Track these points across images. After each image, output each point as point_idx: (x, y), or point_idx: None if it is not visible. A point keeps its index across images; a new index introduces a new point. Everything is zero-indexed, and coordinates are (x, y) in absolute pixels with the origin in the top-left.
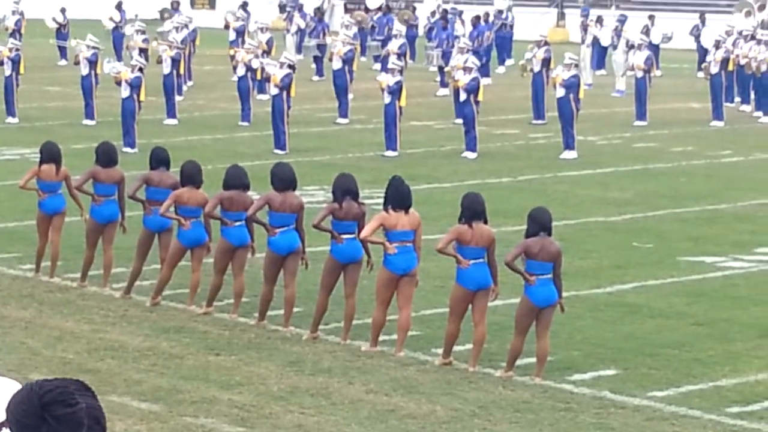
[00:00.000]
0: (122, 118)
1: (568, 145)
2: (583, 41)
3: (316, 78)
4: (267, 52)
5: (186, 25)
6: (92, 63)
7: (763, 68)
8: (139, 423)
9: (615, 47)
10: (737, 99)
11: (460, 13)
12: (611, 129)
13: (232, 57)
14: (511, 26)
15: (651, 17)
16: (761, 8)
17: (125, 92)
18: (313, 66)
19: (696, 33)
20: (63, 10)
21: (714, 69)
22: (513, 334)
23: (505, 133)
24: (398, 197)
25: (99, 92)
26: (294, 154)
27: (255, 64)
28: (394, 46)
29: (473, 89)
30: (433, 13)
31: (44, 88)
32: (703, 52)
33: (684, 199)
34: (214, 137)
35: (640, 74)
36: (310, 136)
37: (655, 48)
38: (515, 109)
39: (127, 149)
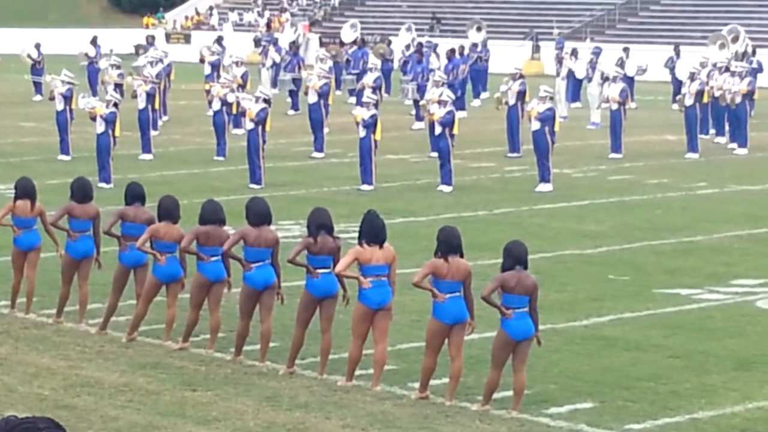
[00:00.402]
0: (97, 153)
1: (544, 177)
2: (557, 74)
3: (291, 112)
4: (242, 87)
5: (161, 60)
6: (67, 98)
7: (738, 100)
8: None
9: (590, 80)
10: (712, 131)
11: (435, 46)
12: (586, 161)
13: (208, 91)
14: (486, 59)
15: (626, 50)
16: (734, 40)
17: (100, 127)
18: (289, 100)
19: (671, 65)
20: (38, 46)
21: (689, 101)
22: (489, 368)
23: (480, 166)
24: (372, 231)
25: (74, 127)
26: (269, 188)
27: (230, 98)
28: (369, 79)
29: (448, 122)
30: (408, 47)
31: (19, 123)
32: (677, 85)
33: (660, 231)
34: (190, 172)
35: (615, 107)
36: (286, 171)
37: (629, 80)
38: (491, 142)
39: (103, 184)
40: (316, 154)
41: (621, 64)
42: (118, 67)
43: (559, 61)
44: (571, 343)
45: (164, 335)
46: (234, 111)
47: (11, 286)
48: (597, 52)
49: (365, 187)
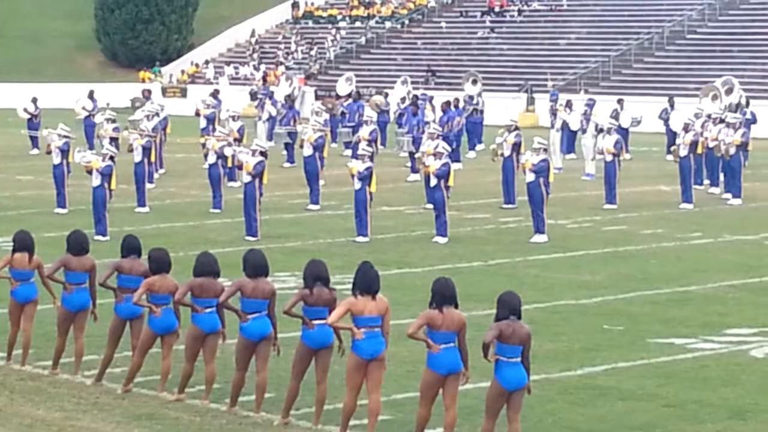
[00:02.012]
0: (93, 206)
1: (539, 228)
2: (552, 126)
3: (287, 165)
4: (239, 140)
5: (157, 113)
6: (64, 152)
7: (732, 151)
8: None
9: (584, 131)
10: (706, 182)
11: (431, 98)
12: (581, 212)
13: (203, 144)
14: (482, 111)
15: (620, 101)
16: (728, 92)
17: (96, 181)
18: (284, 153)
19: (665, 116)
20: (35, 100)
21: (683, 152)
22: (484, 418)
23: (475, 217)
24: (365, 282)
25: (71, 181)
26: (266, 240)
27: (227, 151)
28: (365, 132)
29: (444, 174)
30: (403, 99)
31: (16, 177)
32: (672, 136)
33: (654, 281)
34: (186, 224)
35: (609, 158)
36: (282, 223)
37: (624, 132)
38: (486, 194)
39: (99, 237)
40: (311, 206)
41: (615, 115)
42: (114, 121)
43: (554, 113)
44: (566, 392)
45: (159, 386)
46: (229, 164)
47: (7, 338)
48: (591, 104)
49: (360, 239)
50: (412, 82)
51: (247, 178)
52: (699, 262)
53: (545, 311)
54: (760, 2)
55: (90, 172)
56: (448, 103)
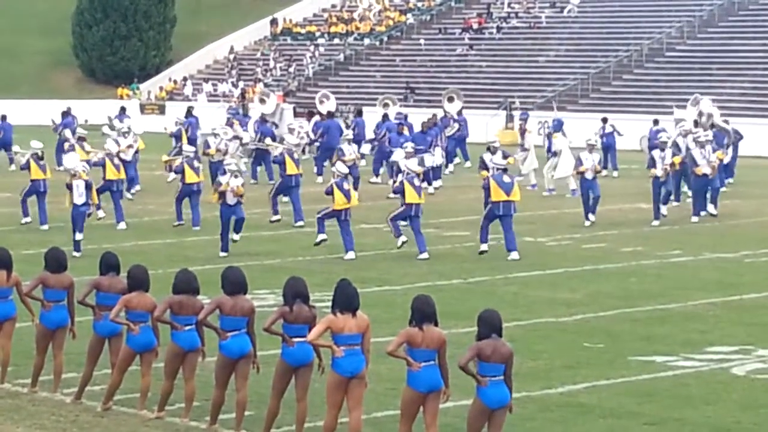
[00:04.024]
0: (73, 221)
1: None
2: (521, 145)
3: (252, 181)
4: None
5: (128, 132)
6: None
7: (708, 170)
8: None
9: (548, 150)
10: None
11: (405, 117)
12: (560, 230)
13: (169, 165)
14: (464, 128)
15: (604, 119)
16: (700, 114)
17: (80, 198)
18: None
19: (650, 135)
20: (3, 117)
21: (659, 172)
22: None
23: (455, 234)
24: (345, 300)
25: (49, 198)
26: (245, 257)
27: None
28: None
29: (398, 191)
30: (385, 118)
31: None
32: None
33: (634, 298)
34: (164, 241)
35: (590, 175)
36: (261, 240)
37: (609, 148)
38: (466, 211)
39: (76, 254)
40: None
41: (603, 133)
42: (84, 140)
43: (522, 132)
44: (546, 410)
45: (139, 404)
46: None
47: None
48: (525, 118)
49: (350, 255)
50: (390, 101)
51: (233, 200)
52: (679, 280)
53: (525, 329)
54: (738, 20)
55: (69, 186)
56: (429, 120)
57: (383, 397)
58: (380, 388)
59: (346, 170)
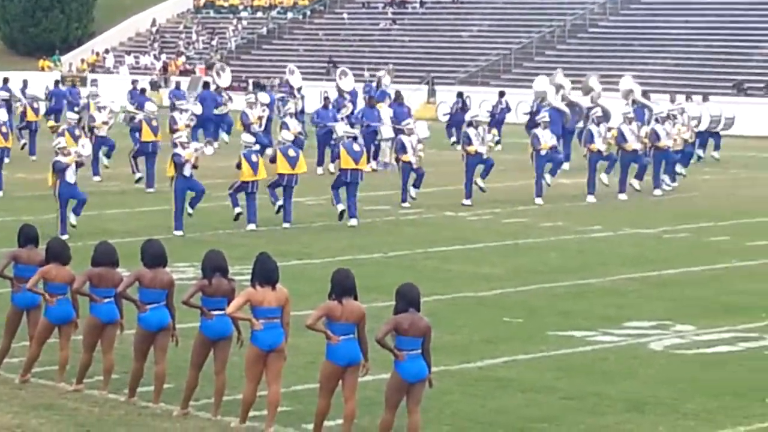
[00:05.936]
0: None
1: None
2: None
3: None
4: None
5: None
6: None
7: (636, 146)
8: None
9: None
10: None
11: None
12: (481, 205)
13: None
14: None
15: (501, 93)
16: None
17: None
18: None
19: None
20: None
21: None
22: (383, 410)
23: (375, 209)
24: (264, 273)
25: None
26: (164, 230)
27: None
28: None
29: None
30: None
31: None
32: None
33: (554, 273)
34: (85, 214)
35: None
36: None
37: (498, 122)
38: (387, 185)
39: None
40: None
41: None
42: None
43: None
44: (465, 384)
45: (58, 377)
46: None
47: None
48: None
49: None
50: (313, 74)
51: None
52: (599, 255)
53: (445, 303)
54: None
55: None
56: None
57: (302, 370)
58: (299, 362)
59: (252, 140)
